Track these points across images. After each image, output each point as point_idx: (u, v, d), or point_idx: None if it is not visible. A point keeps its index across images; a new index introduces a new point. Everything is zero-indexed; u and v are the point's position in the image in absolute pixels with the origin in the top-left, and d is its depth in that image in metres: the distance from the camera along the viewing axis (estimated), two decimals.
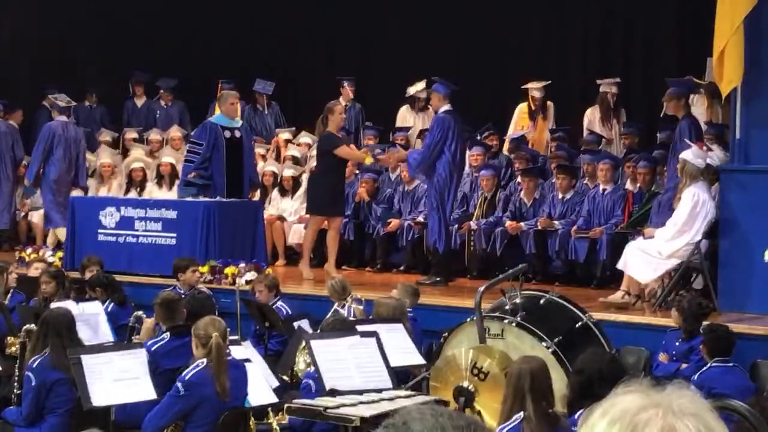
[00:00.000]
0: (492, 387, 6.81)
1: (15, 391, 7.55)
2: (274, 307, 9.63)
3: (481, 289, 7.93)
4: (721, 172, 10.38)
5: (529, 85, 13.96)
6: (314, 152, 13.99)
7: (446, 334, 8.03)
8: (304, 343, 7.51)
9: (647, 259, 9.94)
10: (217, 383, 6.54)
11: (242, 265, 11.52)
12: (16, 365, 7.90)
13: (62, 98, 14.54)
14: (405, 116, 14.73)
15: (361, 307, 9.21)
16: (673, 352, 8.61)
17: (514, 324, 7.74)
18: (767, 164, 9.87)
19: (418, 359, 7.93)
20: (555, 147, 13.43)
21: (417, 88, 14.45)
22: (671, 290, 9.86)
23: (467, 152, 13.60)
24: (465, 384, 6.96)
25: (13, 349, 8.53)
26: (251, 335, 9.62)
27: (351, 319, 8.68)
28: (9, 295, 10.25)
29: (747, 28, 9.61)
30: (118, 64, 17.07)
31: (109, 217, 12.41)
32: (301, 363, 7.90)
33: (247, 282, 10.89)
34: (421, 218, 12.80)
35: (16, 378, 7.64)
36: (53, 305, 8.53)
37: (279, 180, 14.23)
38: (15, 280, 10.56)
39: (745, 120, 9.93)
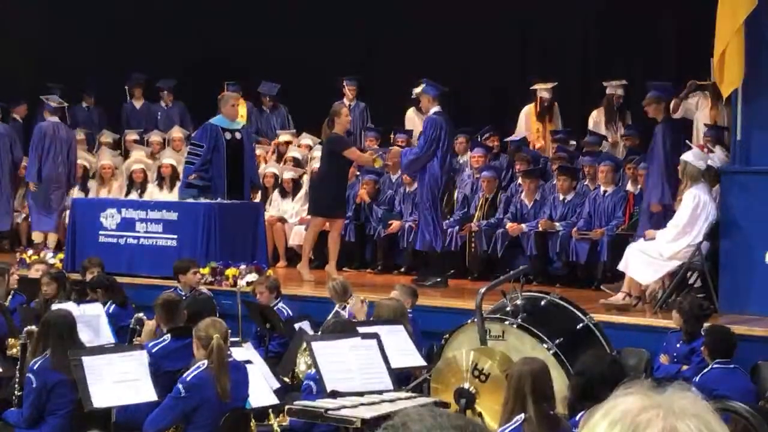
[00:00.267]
0: (493, 389, 6.80)
1: (16, 392, 7.55)
2: (275, 308, 9.63)
3: (482, 290, 7.93)
4: (721, 173, 10.38)
5: (538, 86, 13.97)
6: (315, 154, 14.02)
7: (447, 335, 8.03)
8: (305, 345, 7.50)
9: (648, 260, 9.95)
10: (218, 385, 6.53)
11: (243, 266, 11.52)
12: (17, 367, 7.90)
13: (53, 99, 14.58)
14: (413, 118, 14.73)
15: (364, 308, 9.19)
16: (674, 354, 8.60)
17: (515, 325, 7.74)
18: (767, 165, 9.86)
19: (418, 361, 7.93)
20: (555, 148, 13.43)
21: (417, 90, 14.44)
22: (672, 292, 9.86)
23: (468, 153, 13.64)
24: (466, 385, 6.95)
25: (14, 350, 8.53)
26: (252, 337, 9.62)
27: (352, 319, 8.68)
28: (10, 297, 10.25)
29: (747, 29, 9.62)
30: (116, 65, 17.08)
31: (109, 219, 12.42)
32: (302, 364, 7.90)
33: (248, 283, 10.89)
34: None
35: (17, 380, 7.63)
36: (54, 307, 8.53)
37: (280, 181, 14.24)
38: (16, 282, 10.57)
39: (746, 121, 9.93)
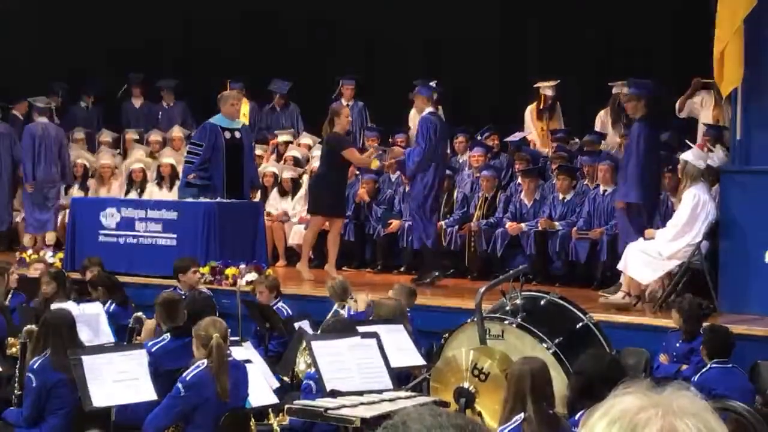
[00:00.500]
0: (492, 388, 6.81)
1: (15, 392, 7.55)
2: (274, 308, 9.63)
3: (482, 290, 7.93)
4: (721, 173, 10.38)
5: (541, 84, 13.97)
6: (315, 153, 14.03)
7: (447, 335, 8.03)
8: (304, 344, 7.50)
9: (647, 260, 9.95)
10: (217, 384, 6.53)
11: (243, 266, 11.53)
12: (17, 366, 7.90)
13: (41, 100, 14.65)
14: (415, 118, 14.72)
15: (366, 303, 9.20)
16: (674, 353, 8.61)
17: (514, 325, 7.74)
18: (767, 165, 9.87)
19: (418, 360, 7.93)
20: (555, 148, 13.43)
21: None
22: (672, 291, 9.86)
23: (468, 153, 13.65)
24: (465, 385, 6.96)
25: (14, 350, 8.53)
26: (252, 336, 9.61)
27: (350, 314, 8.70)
28: (10, 296, 10.26)
29: (747, 29, 9.62)
30: (116, 64, 17.09)
31: (109, 218, 12.42)
32: (301, 364, 7.90)
33: (248, 283, 10.89)
34: None
35: (17, 379, 7.64)
36: (54, 306, 8.53)
37: (279, 181, 14.24)
38: (16, 281, 10.57)
39: (746, 121, 9.93)
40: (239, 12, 17.15)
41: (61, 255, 12.82)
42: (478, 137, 13.87)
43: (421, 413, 1.92)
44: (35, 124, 14.38)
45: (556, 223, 12.05)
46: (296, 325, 8.94)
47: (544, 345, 7.59)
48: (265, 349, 9.07)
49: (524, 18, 15.58)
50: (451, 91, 14.33)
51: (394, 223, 13.14)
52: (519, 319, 7.79)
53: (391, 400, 6.46)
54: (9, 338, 8.91)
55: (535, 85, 14.04)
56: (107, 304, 9.62)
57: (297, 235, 13.45)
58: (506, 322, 7.78)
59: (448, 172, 12.93)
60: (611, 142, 13.13)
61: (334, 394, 6.53)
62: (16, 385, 7.61)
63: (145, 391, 6.87)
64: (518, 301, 8.02)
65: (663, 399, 1.85)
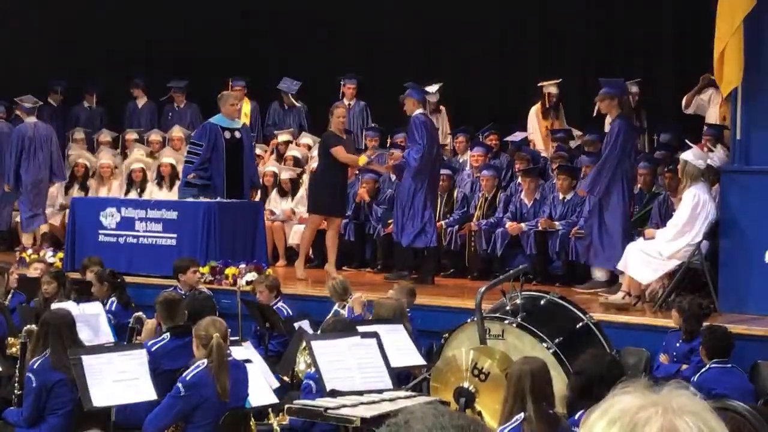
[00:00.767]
0: (492, 388, 6.81)
1: (15, 391, 7.55)
2: (274, 307, 9.63)
3: (482, 289, 7.93)
4: (721, 172, 10.38)
5: (544, 83, 13.96)
6: (315, 153, 14.03)
7: (447, 334, 8.04)
8: (304, 344, 7.50)
9: (647, 260, 9.95)
10: (217, 384, 6.53)
11: (243, 265, 11.53)
12: (17, 366, 7.90)
13: (28, 99, 14.62)
14: None
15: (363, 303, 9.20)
16: (674, 353, 8.61)
17: (514, 325, 7.74)
18: (767, 165, 9.87)
19: (418, 360, 7.93)
20: (555, 147, 13.42)
21: (430, 90, 14.43)
22: (672, 291, 9.86)
23: (468, 152, 13.65)
24: (465, 385, 6.96)
25: (14, 349, 8.53)
26: (252, 336, 9.62)
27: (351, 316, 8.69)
28: (10, 296, 10.26)
29: (746, 28, 9.61)
30: (118, 64, 17.09)
31: (109, 218, 12.42)
32: (301, 364, 7.90)
33: (248, 282, 10.90)
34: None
35: (17, 379, 7.64)
36: (53, 306, 8.53)
37: (278, 181, 14.23)
38: (16, 281, 10.57)
39: (746, 120, 9.93)
40: (239, 12, 17.17)
41: (61, 255, 12.82)
42: (479, 137, 13.87)
43: (424, 412, 1.92)
44: (24, 126, 14.37)
45: (556, 223, 12.05)
46: (296, 324, 8.94)
47: (544, 345, 7.59)
48: (265, 349, 9.07)
49: (524, 18, 15.58)
50: (451, 91, 14.34)
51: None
52: (519, 319, 7.79)
53: (391, 400, 6.46)
54: (9, 338, 8.90)
55: (539, 84, 14.04)
56: (109, 303, 9.64)
57: (297, 234, 13.44)
58: (506, 321, 7.78)
59: (448, 171, 12.94)
60: None
61: (334, 393, 6.53)
62: (16, 384, 7.61)
63: (145, 391, 6.87)
64: (518, 301, 8.02)
65: (662, 398, 1.85)
